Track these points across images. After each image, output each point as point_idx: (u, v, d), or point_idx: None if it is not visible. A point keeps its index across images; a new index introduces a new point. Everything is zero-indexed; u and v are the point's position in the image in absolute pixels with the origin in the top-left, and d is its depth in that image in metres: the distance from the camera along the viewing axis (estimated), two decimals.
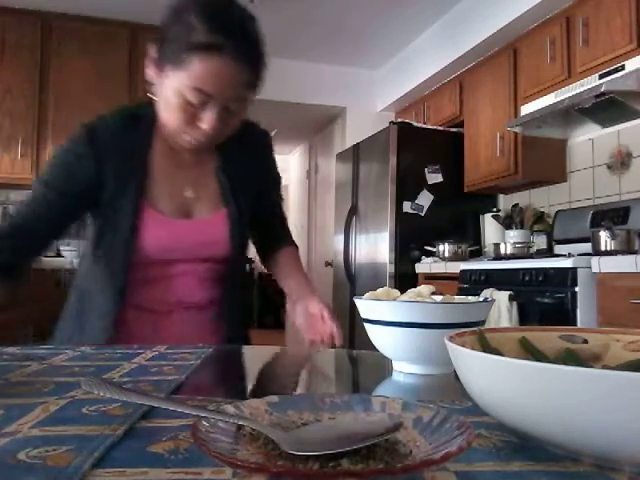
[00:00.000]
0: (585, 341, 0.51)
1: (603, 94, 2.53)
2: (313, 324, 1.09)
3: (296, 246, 1.33)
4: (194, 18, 0.93)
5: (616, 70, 2.60)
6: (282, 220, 1.33)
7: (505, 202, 3.91)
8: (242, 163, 1.17)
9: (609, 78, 2.61)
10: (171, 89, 0.96)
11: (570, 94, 2.80)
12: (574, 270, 2.33)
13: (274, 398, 0.42)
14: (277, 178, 1.30)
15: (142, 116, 1.08)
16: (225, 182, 1.14)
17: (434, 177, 3.80)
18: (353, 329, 3.99)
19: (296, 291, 1.23)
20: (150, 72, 1.01)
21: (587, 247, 2.72)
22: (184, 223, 1.10)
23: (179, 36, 0.94)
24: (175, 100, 0.96)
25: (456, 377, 0.44)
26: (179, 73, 0.94)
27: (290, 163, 7.10)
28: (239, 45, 0.94)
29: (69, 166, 1.05)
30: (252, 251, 1.34)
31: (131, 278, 1.07)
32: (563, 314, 2.34)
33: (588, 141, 3.20)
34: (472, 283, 2.95)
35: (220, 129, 1.00)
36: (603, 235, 2.53)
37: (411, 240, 3.68)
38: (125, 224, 1.04)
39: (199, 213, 1.12)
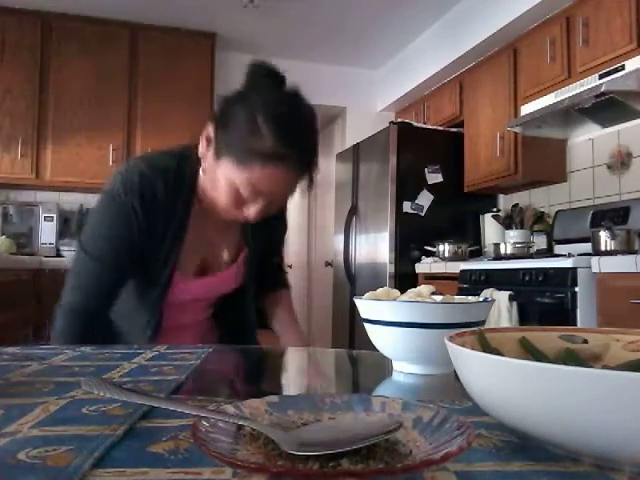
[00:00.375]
0: (585, 341, 0.51)
1: (603, 94, 2.53)
2: None
3: (289, 287, 1.38)
4: (263, 123, 0.93)
5: (616, 70, 2.60)
6: (281, 262, 1.38)
7: (505, 202, 3.91)
8: (265, 223, 1.16)
9: (609, 78, 2.61)
10: (225, 178, 0.97)
11: (570, 94, 2.80)
12: (574, 270, 2.33)
13: (274, 398, 0.42)
14: (286, 226, 1.34)
15: (184, 177, 1.07)
16: (251, 245, 1.19)
17: (434, 177, 3.80)
18: (353, 329, 3.99)
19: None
20: (203, 150, 1.02)
21: (587, 247, 2.72)
22: (202, 282, 1.15)
23: (244, 135, 0.94)
24: (226, 188, 0.98)
25: (456, 377, 0.44)
26: (237, 169, 0.95)
27: None
28: (301, 156, 0.98)
29: (121, 240, 1.03)
30: None
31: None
32: (563, 314, 2.34)
33: (588, 141, 3.21)
34: (472, 283, 2.95)
35: (262, 216, 1.03)
36: (603, 235, 2.53)
37: (411, 240, 3.68)
38: (155, 291, 1.08)
39: (217, 268, 1.17)
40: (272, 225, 1.22)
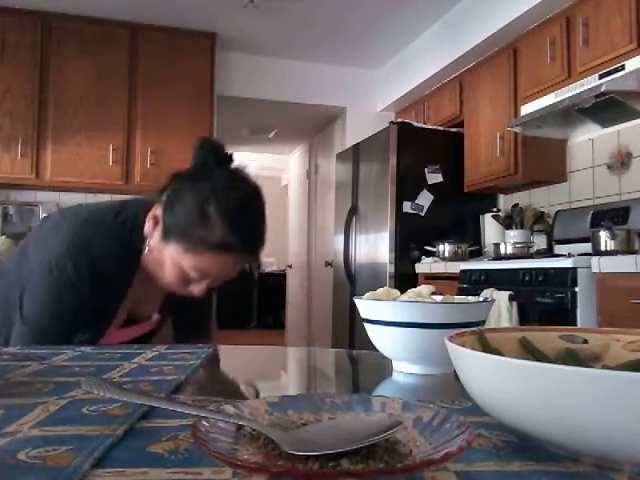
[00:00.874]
0: (585, 341, 0.51)
1: (603, 94, 2.53)
2: None
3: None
4: (213, 213, 0.95)
5: (616, 70, 2.60)
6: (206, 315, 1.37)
7: (505, 202, 3.91)
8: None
9: (609, 78, 2.60)
10: (171, 259, 0.99)
11: (570, 94, 2.80)
12: (574, 270, 2.33)
13: (274, 398, 0.42)
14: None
15: (132, 250, 1.06)
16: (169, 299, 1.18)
17: (434, 177, 3.80)
18: (353, 329, 3.99)
19: None
20: (149, 230, 1.02)
21: (587, 247, 2.72)
22: (126, 331, 1.15)
23: (193, 223, 0.96)
24: (172, 268, 0.99)
25: (456, 377, 0.44)
26: (185, 254, 0.97)
27: (290, 163, 7.10)
28: (250, 244, 1.01)
29: (68, 315, 1.02)
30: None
31: None
32: (563, 314, 2.34)
33: (588, 141, 3.21)
34: (472, 283, 2.95)
35: (204, 291, 1.04)
36: (603, 235, 2.53)
37: (411, 240, 3.68)
38: (85, 337, 1.04)
39: (142, 318, 1.17)
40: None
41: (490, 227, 3.75)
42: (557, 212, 3.30)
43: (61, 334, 1.00)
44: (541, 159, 3.32)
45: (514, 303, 2.57)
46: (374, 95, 5.02)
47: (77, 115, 3.88)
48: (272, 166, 7.68)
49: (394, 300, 0.69)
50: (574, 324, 2.27)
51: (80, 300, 1.02)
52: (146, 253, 1.04)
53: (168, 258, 0.99)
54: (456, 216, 3.83)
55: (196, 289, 1.02)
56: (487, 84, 3.60)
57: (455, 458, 0.31)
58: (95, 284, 1.02)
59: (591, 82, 2.72)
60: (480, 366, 0.37)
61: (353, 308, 3.64)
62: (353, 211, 4.15)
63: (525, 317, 2.53)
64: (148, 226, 1.02)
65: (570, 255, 2.51)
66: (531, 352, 0.49)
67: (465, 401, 0.51)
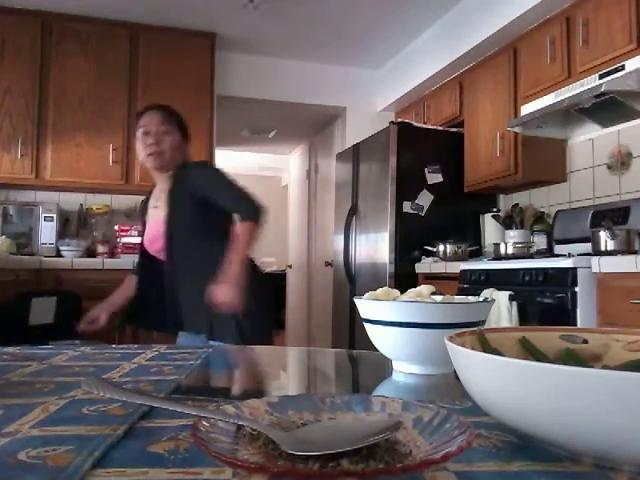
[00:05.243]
0: (585, 341, 0.51)
1: (603, 94, 2.53)
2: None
3: (245, 220, 1.78)
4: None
5: (616, 70, 2.60)
6: (235, 204, 1.85)
7: (505, 202, 3.91)
8: (184, 185, 1.85)
9: (609, 78, 2.60)
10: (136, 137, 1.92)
11: (570, 94, 2.80)
12: (574, 270, 2.33)
13: (274, 398, 0.42)
14: (215, 183, 1.86)
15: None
16: (169, 196, 1.86)
17: (434, 177, 3.80)
18: (353, 329, 3.99)
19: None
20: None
21: (587, 247, 2.72)
22: (151, 226, 1.95)
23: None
24: (137, 139, 1.90)
25: (456, 377, 0.44)
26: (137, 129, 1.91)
27: (290, 163, 7.10)
28: (157, 107, 1.94)
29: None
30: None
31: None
32: (563, 314, 2.34)
33: (588, 141, 3.21)
34: (472, 283, 2.95)
35: (157, 149, 1.85)
36: (603, 235, 2.53)
37: (411, 240, 3.68)
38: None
39: (158, 218, 1.89)
40: (191, 192, 1.82)
41: (490, 227, 3.75)
42: (557, 212, 3.30)
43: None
44: (541, 159, 3.32)
45: (514, 303, 2.57)
46: (374, 95, 5.02)
47: (77, 115, 3.88)
48: (272, 166, 7.68)
49: (394, 300, 0.69)
50: (574, 324, 2.27)
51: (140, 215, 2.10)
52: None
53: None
54: (456, 216, 3.83)
55: (148, 142, 1.85)
56: (487, 84, 3.60)
57: (455, 458, 0.31)
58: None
59: (591, 82, 2.72)
60: (480, 366, 0.37)
61: (353, 308, 3.64)
62: (353, 211, 4.15)
63: (525, 317, 2.53)
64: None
65: (570, 255, 2.51)
66: (531, 352, 0.49)
67: (465, 401, 0.51)
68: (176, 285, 1.86)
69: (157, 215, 1.90)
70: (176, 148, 1.88)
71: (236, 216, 1.81)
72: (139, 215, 2.00)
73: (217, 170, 1.94)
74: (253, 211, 1.79)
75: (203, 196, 1.80)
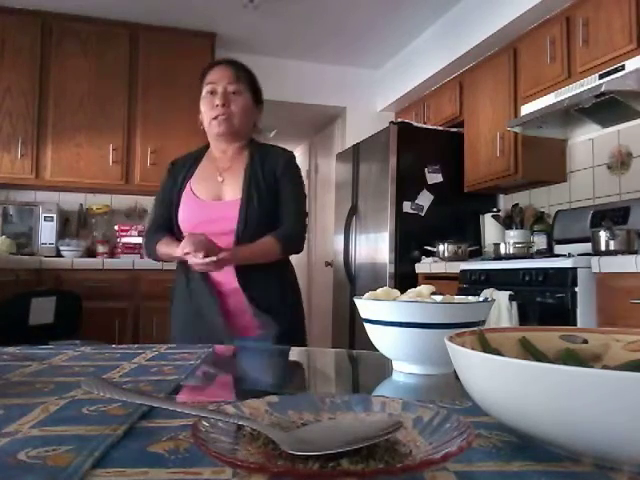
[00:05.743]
0: (585, 341, 0.51)
1: (603, 94, 2.53)
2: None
3: (280, 240, 1.54)
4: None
5: (616, 70, 2.60)
6: (293, 220, 1.60)
7: (505, 202, 3.91)
8: (263, 166, 1.60)
9: (609, 78, 2.60)
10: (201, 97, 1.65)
11: (570, 94, 2.80)
12: (574, 270, 2.33)
13: (274, 398, 0.42)
14: (292, 189, 1.61)
15: (201, 149, 1.72)
16: (248, 176, 1.57)
17: (434, 177, 3.80)
18: (353, 329, 3.99)
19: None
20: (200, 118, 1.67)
21: (587, 247, 2.72)
22: (211, 204, 1.57)
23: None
24: (202, 98, 1.64)
25: (456, 377, 0.44)
26: (202, 87, 1.65)
27: None
28: (226, 61, 1.69)
29: (163, 191, 1.68)
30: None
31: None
32: (563, 314, 2.34)
33: (588, 141, 3.21)
34: (472, 283, 2.95)
35: (225, 110, 1.58)
36: (603, 235, 2.53)
37: (411, 240, 3.68)
38: (173, 207, 1.60)
39: (224, 196, 1.58)
40: (272, 181, 1.58)
41: (490, 227, 3.75)
42: (557, 212, 3.30)
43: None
44: (541, 159, 3.32)
45: (514, 303, 2.56)
46: (374, 95, 5.02)
47: (77, 115, 3.87)
48: None
49: (394, 300, 0.69)
50: (574, 324, 2.27)
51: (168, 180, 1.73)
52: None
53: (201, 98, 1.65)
54: (456, 216, 3.83)
55: (217, 100, 1.58)
56: (487, 84, 3.60)
57: (455, 458, 0.31)
58: (175, 168, 1.76)
59: (591, 82, 2.72)
60: (480, 366, 0.37)
61: (353, 308, 3.64)
62: (353, 211, 4.15)
63: (525, 317, 2.53)
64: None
65: (570, 255, 2.51)
66: (531, 352, 0.49)
67: (465, 401, 0.51)
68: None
69: (224, 190, 1.58)
70: (247, 112, 1.62)
71: (277, 230, 1.55)
72: (169, 188, 1.62)
73: (301, 175, 1.69)
74: (292, 240, 1.57)
75: (278, 190, 1.57)
